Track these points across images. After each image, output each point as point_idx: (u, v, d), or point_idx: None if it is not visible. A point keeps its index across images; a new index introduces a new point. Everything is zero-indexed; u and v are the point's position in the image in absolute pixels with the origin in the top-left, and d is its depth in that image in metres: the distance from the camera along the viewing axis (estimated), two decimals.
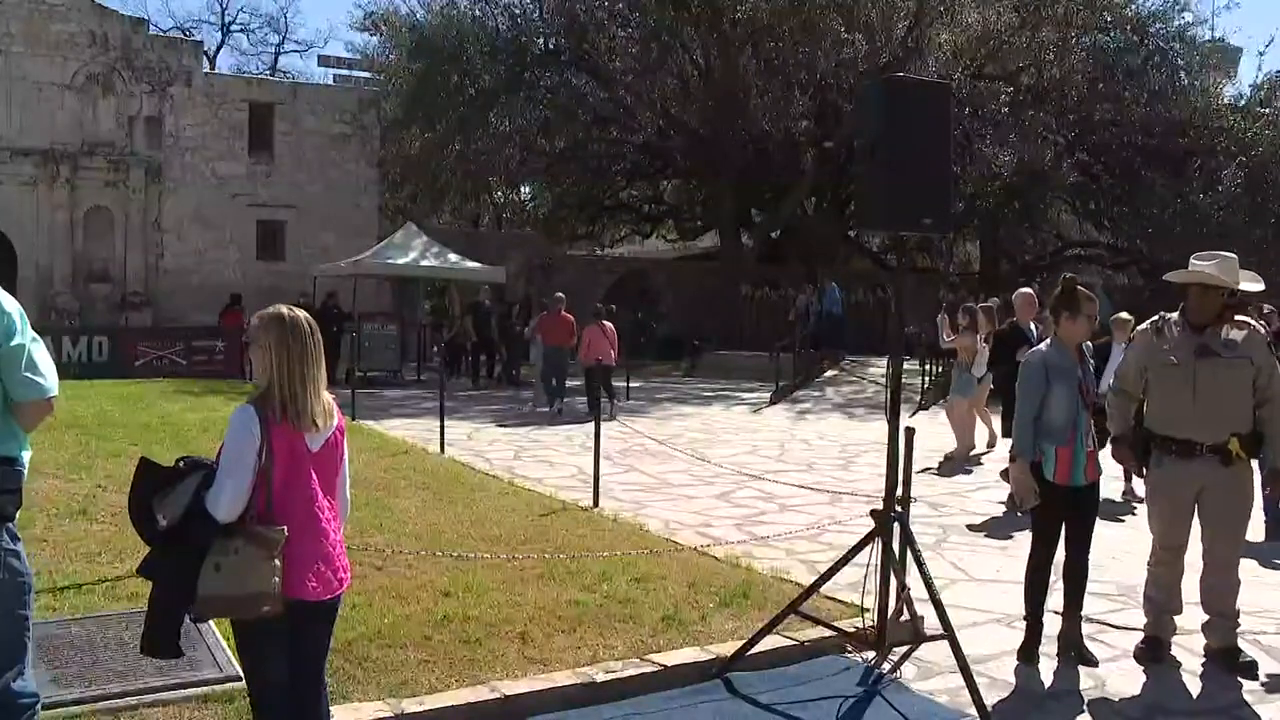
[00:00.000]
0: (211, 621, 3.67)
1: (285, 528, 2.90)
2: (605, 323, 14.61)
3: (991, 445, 10.90)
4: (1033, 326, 8.96)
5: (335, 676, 4.10)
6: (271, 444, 2.91)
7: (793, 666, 4.66)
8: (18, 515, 3.13)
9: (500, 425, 13.23)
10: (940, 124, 4.61)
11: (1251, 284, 4.79)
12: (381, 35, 29.76)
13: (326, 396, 3.10)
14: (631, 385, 17.76)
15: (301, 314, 3.05)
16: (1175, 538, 4.79)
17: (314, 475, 3.02)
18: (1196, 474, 4.63)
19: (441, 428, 10.61)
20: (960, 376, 10.99)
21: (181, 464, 3.01)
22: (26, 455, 3.10)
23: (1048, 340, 4.92)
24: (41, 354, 3.05)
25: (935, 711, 4.24)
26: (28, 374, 2.99)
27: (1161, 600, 4.87)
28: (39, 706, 3.14)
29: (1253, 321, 4.79)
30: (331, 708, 3.80)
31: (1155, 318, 4.86)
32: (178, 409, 12.70)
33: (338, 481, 3.17)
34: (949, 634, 4.29)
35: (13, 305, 3.02)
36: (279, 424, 2.93)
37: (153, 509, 2.93)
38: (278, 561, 2.88)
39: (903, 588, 4.66)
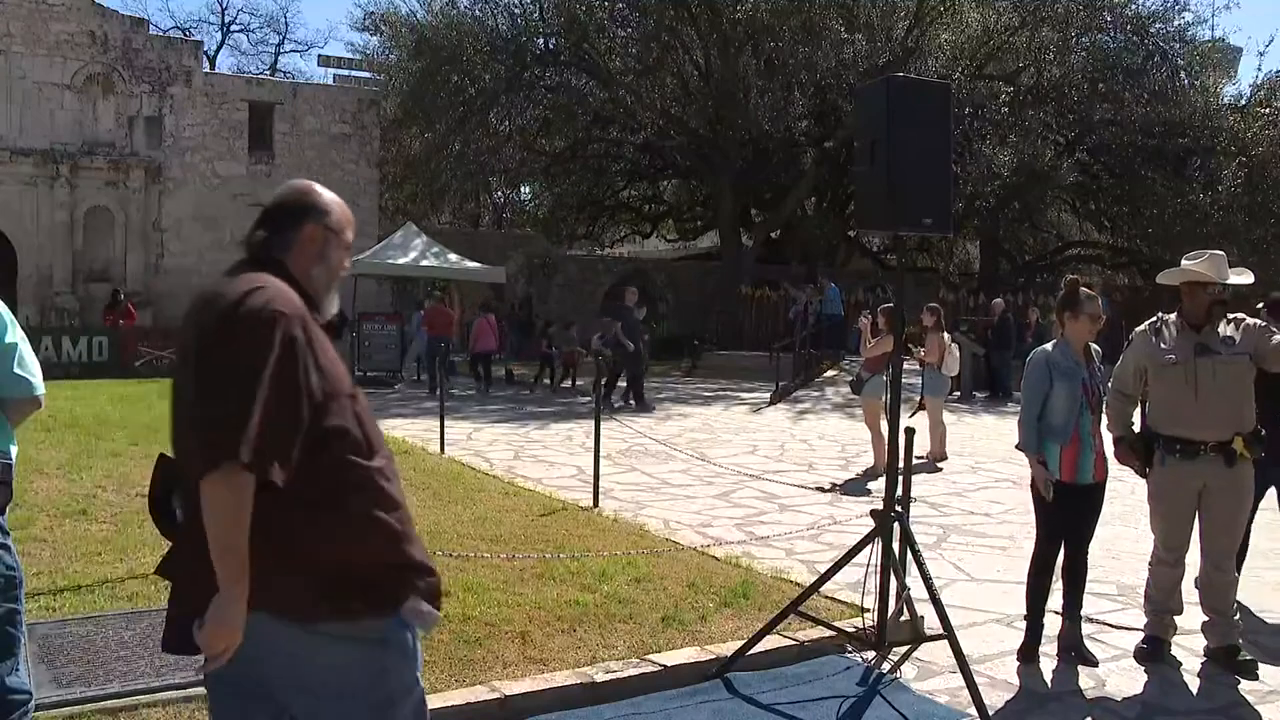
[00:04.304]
0: None
1: None
2: (490, 315, 18.15)
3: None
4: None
5: None
6: None
7: (793, 666, 4.65)
8: (11, 512, 3.15)
9: (498, 424, 13.24)
10: (940, 124, 4.61)
11: (1240, 277, 4.82)
12: (381, 35, 29.80)
13: None
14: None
15: None
16: (1178, 538, 4.79)
17: None
18: (1199, 473, 4.64)
19: (441, 428, 10.61)
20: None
21: None
22: (14, 450, 3.13)
23: (1054, 340, 4.93)
24: (30, 353, 3.13)
25: (935, 711, 4.24)
26: (18, 371, 3.07)
27: (1162, 600, 4.87)
28: (32, 704, 3.15)
29: (1246, 317, 4.81)
30: None
31: (1153, 319, 4.88)
32: None
33: None
34: (949, 634, 4.29)
35: (1, 306, 3.10)
36: None
37: (171, 504, 2.96)
38: None
39: (903, 588, 4.66)
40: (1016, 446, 4.81)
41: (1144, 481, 4.91)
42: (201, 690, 3.91)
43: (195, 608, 2.20)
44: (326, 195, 2.44)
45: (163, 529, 3.01)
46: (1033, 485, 4.86)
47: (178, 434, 2.31)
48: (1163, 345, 4.72)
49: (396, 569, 2.23)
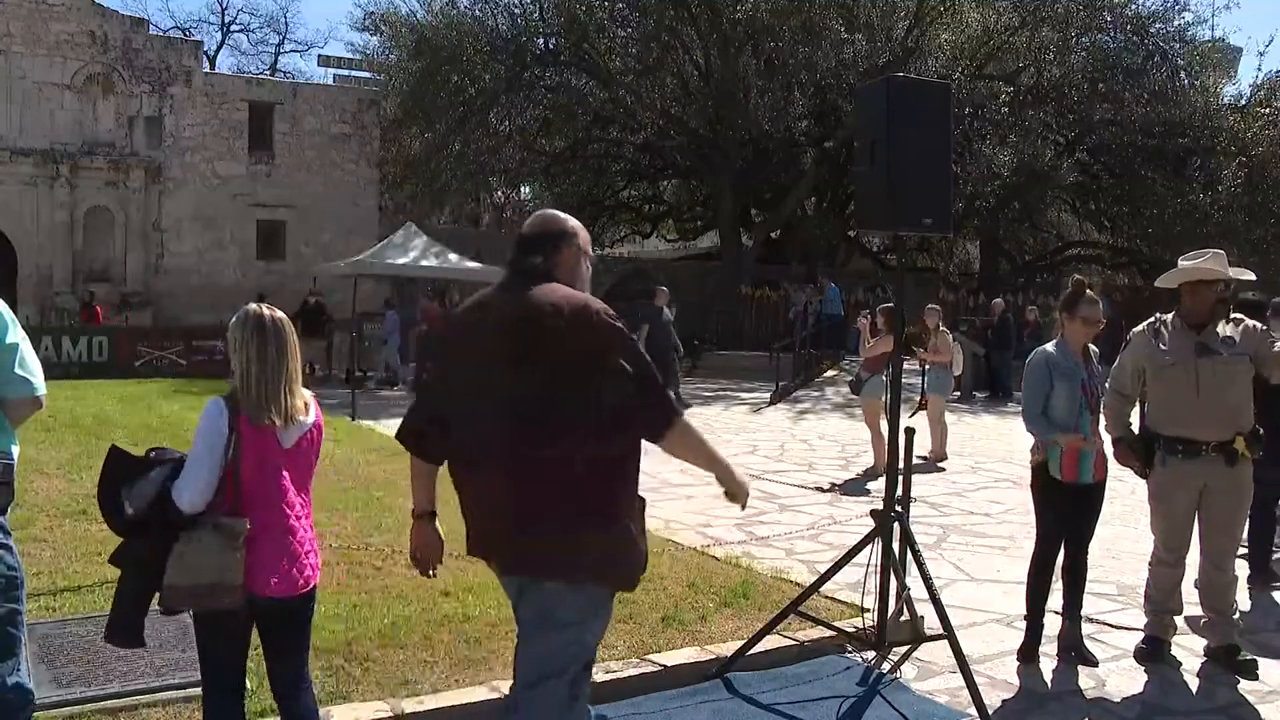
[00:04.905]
0: None
1: (248, 519, 2.90)
2: None
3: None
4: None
5: (335, 676, 4.11)
6: (240, 439, 2.92)
7: (793, 666, 4.65)
8: (11, 512, 3.14)
9: None
10: (940, 124, 4.61)
11: (1240, 274, 4.82)
12: (381, 35, 29.77)
13: (304, 393, 3.09)
14: None
15: (276, 313, 3.06)
16: (1179, 538, 4.79)
17: (285, 472, 3.02)
18: (1201, 473, 4.63)
19: None
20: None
21: (151, 455, 3.03)
22: (15, 450, 3.12)
23: (1054, 340, 4.92)
24: (31, 353, 3.12)
25: (935, 711, 4.24)
26: (19, 372, 3.06)
27: (1162, 600, 4.87)
28: (32, 705, 3.15)
29: (1245, 318, 4.82)
30: (331, 708, 3.81)
31: (1151, 319, 4.85)
32: (178, 409, 12.69)
33: (312, 477, 3.17)
34: (949, 634, 4.29)
35: (3, 306, 3.08)
36: (249, 419, 2.93)
37: (121, 498, 2.94)
38: (240, 553, 2.87)
39: (903, 588, 4.66)
40: (1031, 433, 4.77)
41: (1144, 481, 4.91)
42: (200, 691, 3.92)
43: (490, 550, 2.83)
44: (572, 220, 2.96)
45: (112, 524, 3.00)
46: (1032, 485, 4.86)
47: (493, 417, 2.71)
48: (1162, 346, 4.70)
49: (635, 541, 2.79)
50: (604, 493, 2.69)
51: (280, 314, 3.08)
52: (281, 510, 3.00)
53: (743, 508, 3.02)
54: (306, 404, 3.10)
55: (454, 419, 2.83)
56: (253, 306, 3.08)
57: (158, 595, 2.93)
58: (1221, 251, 4.77)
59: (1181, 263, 4.74)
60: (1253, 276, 4.89)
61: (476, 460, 2.78)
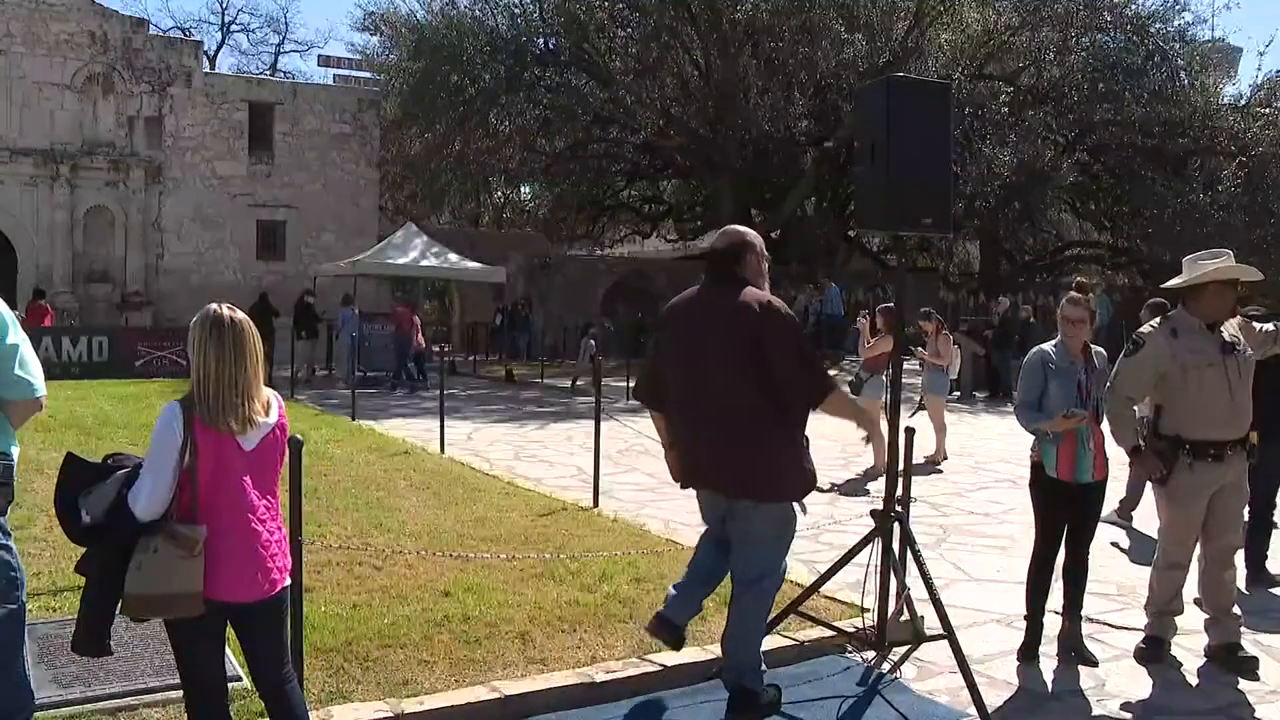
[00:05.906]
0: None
1: (204, 527, 2.85)
2: (415, 317, 19.50)
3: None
4: None
5: (335, 676, 4.11)
6: (196, 443, 2.85)
7: (793, 666, 4.65)
8: (11, 512, 3.13)
9: (498, 424, 13.23)
10: (940, 124, 4.60)
11: (1250, 274, 4.82)
12: (381, 35, 29.79)
13: (266, 393, 3.03)
14: (632, 385, 17.72)
15: (237, 314, 2.99)
16: (1192, 540, 4.75)
17: (247, 475, 2.95)
18: (1224, 474, 4.60)
19: (441, 428, 10.61)
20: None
21: (109, 461, 2.99)
22: (15, 450, 3.11)
23: (1055, 340, 4.90)
24: (31, 354, 3.10)
25: (935, 711, 4.24)
26: (19, 373, 3.04)
27: (1165, 601, 4.85)
28: (33, 705, 3.14)
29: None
30: (331, 708, 3.81)
31: (1161, 320, 4.76)
32: None
33: (277, 478, 3.12)
34: (949, 634, 4.29)
35: (3, 306, 3.06)
36: (205, 423, 2.87)
37: (78, 506, 2.90)
38: (197, 561, 2.82)
39: (903, 588, 4.66)
40: (1025, 427, 4.74)
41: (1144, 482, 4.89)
42: None
43: (700, 478, 4.02)
44: (750, 232, 4.07)
45: (69, 532, 2.95)
46: (1031, 484, 4.85)
47: (704, 380, 3.85)
48: (1189, 346, 4.59)
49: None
50: (776, 431, 3.73)
51: (241, 315, 3.00)
52: (244, 515, 2.94)
53: (868, 440, 4.56)
54: (268, 404, 3.02)
55: (673, 381, 3.94)
56: (213, 306, 3.00)
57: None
58: (1230, 251, 4.75)
59: (1200, 263, 4.65)
60: (1260, 276, 4.84)
61: (691, 411, 3.88)
